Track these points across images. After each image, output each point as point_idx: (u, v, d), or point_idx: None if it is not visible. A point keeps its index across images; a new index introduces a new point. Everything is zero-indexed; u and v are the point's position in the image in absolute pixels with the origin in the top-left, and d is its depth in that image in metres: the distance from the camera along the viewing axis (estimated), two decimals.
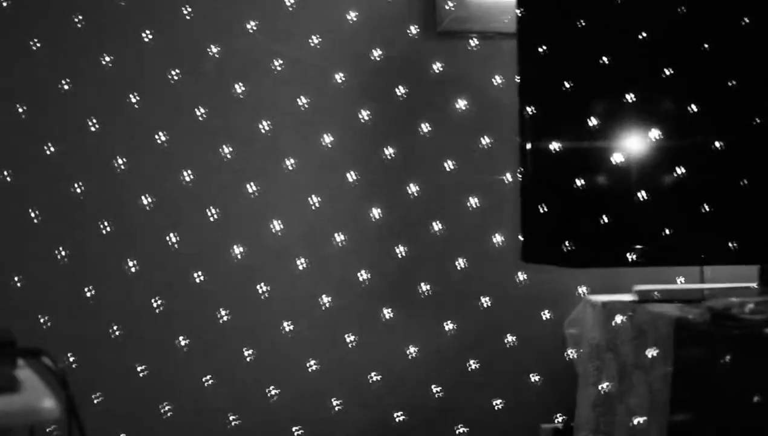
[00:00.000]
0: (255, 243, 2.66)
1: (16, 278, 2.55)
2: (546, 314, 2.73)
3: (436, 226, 2.72)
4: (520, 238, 2.44)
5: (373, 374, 2.72)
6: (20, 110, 2.58)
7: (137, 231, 2.61)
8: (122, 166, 2.60)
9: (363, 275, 2.71)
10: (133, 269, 2.59)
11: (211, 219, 2.63)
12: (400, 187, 2.72)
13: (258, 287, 2.65)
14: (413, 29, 2.73)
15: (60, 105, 2.59)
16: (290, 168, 2.68)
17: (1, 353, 1.60)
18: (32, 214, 2.57)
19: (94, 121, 2.60)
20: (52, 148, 2.58)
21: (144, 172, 2.61)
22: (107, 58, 2.61)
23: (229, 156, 2.64)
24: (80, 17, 2.60)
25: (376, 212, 2.71)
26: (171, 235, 2.60)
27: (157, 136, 2.61)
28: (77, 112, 2.59)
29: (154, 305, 2.61)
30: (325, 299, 2.70)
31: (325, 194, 2.69)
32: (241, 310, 2.65)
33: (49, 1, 2.59)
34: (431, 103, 2.73)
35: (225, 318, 2.63)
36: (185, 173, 2.62)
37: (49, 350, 2.42)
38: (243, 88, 2.66)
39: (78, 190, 2.59)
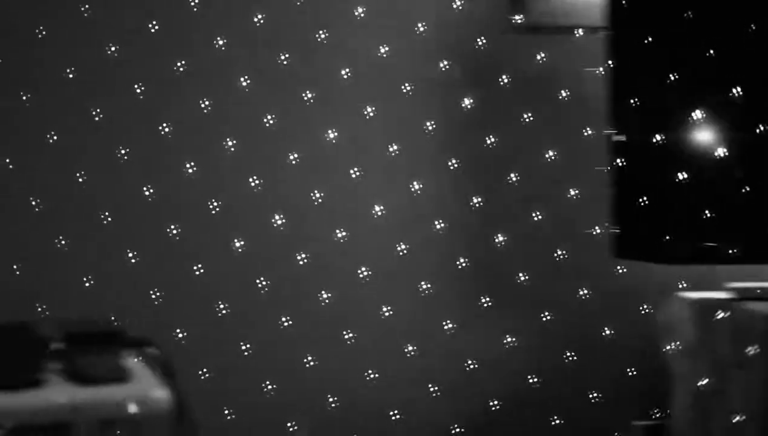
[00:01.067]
0: (357, 226, 2.67)
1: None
2: (644, 309, 2.73)
3: (535, 216, 2.73)
4: (613, 233, 2.44)
5: (469, 361, 2.73)
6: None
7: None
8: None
9: (461, 262, 2.71)
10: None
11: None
12: (498, 176, 2.72)
13: (359, 270, 2.67)
14: (499, 23, 2.73)
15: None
16: (395, 153, 2.69)
17: (109, 344, 1.63)
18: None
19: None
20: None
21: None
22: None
23: (333, 142, 2.66)
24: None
25: (475, 200, 2.71)
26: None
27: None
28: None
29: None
30: (424, 285, 2.71)
31: (426, 182, 2.70)
32: (342, 291, 2.66)
33: None
34: (525, 96, 2.74)
35: (326, 301, 2.65)
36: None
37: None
38: (349, 74, 2.66)
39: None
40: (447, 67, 2.72)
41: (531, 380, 2.75)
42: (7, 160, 2.54)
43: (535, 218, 2.74)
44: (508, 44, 2.74)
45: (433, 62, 2.71)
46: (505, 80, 2.73)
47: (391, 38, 2.69)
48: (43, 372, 1.47)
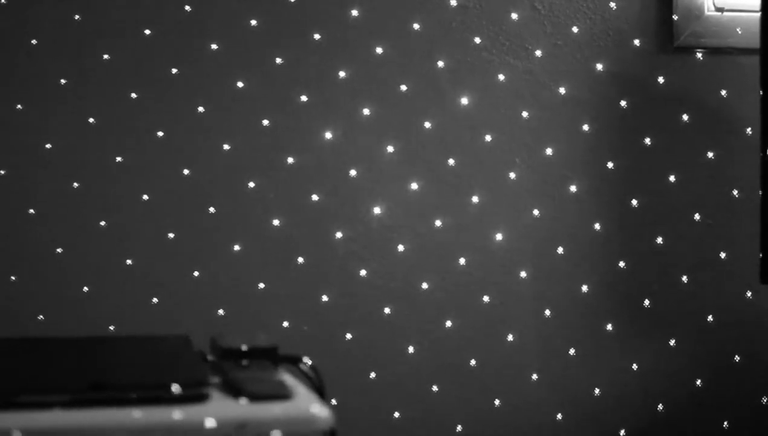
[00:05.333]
0: (479, 254, 2.66)
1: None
2: None
3: (659, 240, 2.70)
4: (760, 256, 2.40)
5: (596, 389, 2.71)
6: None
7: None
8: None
9: (585, 288, 2.69)
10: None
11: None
12: (623, 200, 2.70)
13: (484, 297, 2.66)
14: (646, 44, 2.71)
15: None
16: (513, 180, 2.68)
17: (264, 359, 1.62)
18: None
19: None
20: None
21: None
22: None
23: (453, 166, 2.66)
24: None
25: (597, 225, 2.69)
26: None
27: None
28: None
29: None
30: (547, 312, 2.70)
31: (547, 205, 2.69)
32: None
33: None
34: (659, 117, 2.70)
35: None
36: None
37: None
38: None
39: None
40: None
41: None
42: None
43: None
44: (656, 64, 2.74)
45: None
46: (645, 99, 2.72)
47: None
48: (207, 387, 1.47)
